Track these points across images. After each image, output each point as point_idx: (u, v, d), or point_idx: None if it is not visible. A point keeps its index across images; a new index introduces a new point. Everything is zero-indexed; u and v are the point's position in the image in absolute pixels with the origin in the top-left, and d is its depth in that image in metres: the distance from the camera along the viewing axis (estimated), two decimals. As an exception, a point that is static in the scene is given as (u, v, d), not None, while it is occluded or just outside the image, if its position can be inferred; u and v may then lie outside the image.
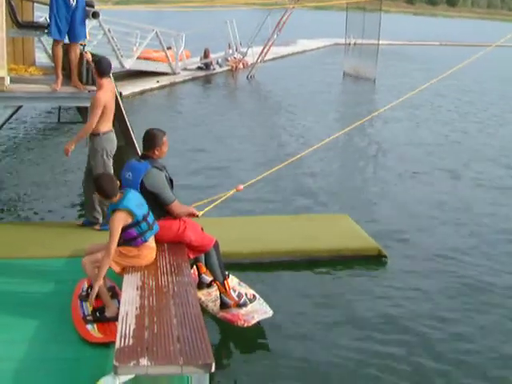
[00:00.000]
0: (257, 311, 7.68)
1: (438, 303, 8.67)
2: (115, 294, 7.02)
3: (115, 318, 6.12)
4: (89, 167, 9.63)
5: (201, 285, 7.96)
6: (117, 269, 6.61)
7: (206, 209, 8.42)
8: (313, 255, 9.63)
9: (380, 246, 9.97)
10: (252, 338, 7.58)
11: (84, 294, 7.29)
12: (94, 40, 23.30)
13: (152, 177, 7.08)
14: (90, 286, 7.10)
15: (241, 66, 31.39)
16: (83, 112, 11.58)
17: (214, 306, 7.71)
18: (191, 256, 7.54)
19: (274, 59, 35.99)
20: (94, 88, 9.80)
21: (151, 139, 7.26)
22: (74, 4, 9.84)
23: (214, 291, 7.87)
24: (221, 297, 7.62)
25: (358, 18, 32.98)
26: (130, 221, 6.58)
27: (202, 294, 7.85)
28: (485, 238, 11.42)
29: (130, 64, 24.85)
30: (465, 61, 13.93)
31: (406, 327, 7.97)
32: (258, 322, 7.56)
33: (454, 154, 17.53)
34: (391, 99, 25.30)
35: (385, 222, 11.72)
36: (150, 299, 5.92)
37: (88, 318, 6.80)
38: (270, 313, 7.71)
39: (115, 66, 22.23)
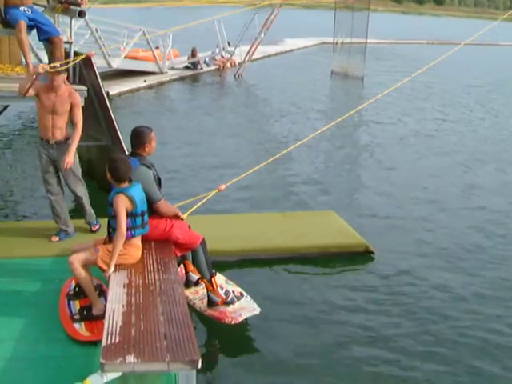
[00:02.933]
0: (244, 308, 7.70)
1: (427, 299, 8.72)
2: (102, 292, 7.04)
3: (102, 316, 6.13)
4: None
5: (188, 283, 7.99)
6: (104, 267, 6.62)
7: (190, 211, 8.39)
8: (300, 252, 9.66)
9: (367, 242, 10.01)
10: (239, 336, 7.61)
11: (71, 292, 7.30)
12: (81, 39, 23.26)
13: (140, 174, 7.09)
14: (78, 285, 7.12)
15: (228, 65, 31.34)
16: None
17: (201, 303, 7.73)
18: (178, 254, 7.55)
19: (261, 58, 36.00)
20: (83, 87, 9.79)
21: (139, 136, 7.31)
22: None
23: (201, 289, 7.89)
24: (208, 294, 7.64)
25: (346, 16, 33.03)
26: (129, 209, 6.60)
27: (190, 292, 7.87)
28: (474, 232, 11.55)
29: (117, 63, 24.78)
30: (440, 56, 13.96)
31: (394, 324, 8.02)
32: (246, 320, 7.58)
33: (438, 149, 17.69)
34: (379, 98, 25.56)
35: (371, 218, 11.79)
36: (137, 297, 5.93)
37: (75, 316, 6.82)
38: (257, 310, 7.73)
39: (102, 65, 22.26)
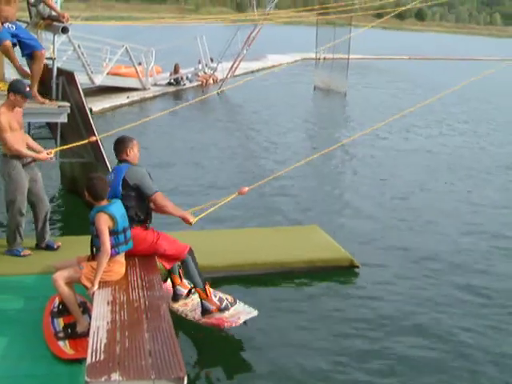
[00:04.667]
0: (241, 312, 7.74)
1: (411, 312, 8.74)
2: (86, 310, 6.99)
3: (87, 334, 6.09)
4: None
5: (176, 297, 7.95)
6: (88, 284, 6.58)
7: (202, 215, 8.41)
8: (286, 267, 9.64)
9: (352, 257, 10.02)
10: (225, 350, 7.60)
11: (55, 310, 7.25)
12: (63, 56, 23.22)
13: (133, 172, 7.28)
14: (62, 303, 7.07)
15: (211, 81, 31.39)
16: (53, 128, 11.54)
17: (194, 314, 7.71)
18: (167, 266, 7.57)
19: (244, 74, 36.04)
20: (66, 104, 9.76)
21: (120, 142, 7.54)
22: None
23: (191, 301, 7.90)
24: (202, 303, 7.61)
25: (328, 32, 33.22)
26: (111, 227, 6.60)
27: (179, 305, 7.85)
28: (460, 244, 11.63)
29: (100, 80, 24.78)
30: (457, 85, 14.04)
31: (380, 337, 8.04)
32: (231, 334, 7.62)
33: (423, 162, 17.81)
34: (362, 112, 25.75)
35: (355, 233, 11.82)
36: (122, 314, 5.91)
37: (60, 334, 6.76)
38: (254, 312, 7.76)
39: (85, 81, 22.22)
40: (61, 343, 6.62)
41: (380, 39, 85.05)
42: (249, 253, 9.88)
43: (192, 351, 7.41)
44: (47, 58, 10.44)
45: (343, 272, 9.87)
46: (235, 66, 30.51)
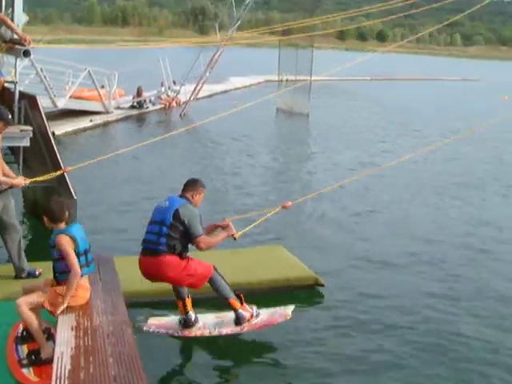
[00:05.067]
0: (276, 311, 8.40)
1: (378, 331, 8.82)
2: (51, 336, 6.92)
3: (51, 360, 6.03)
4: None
5: (189, 322, 8.06)
6: (52, 309, 6.53)
7: (247, 229, 8.49)
8: (250, 288, 9.60)
9: (317, 275, 10.06)
10: (193, 371, 7.65)
11: (19, 336, 7.17)
12: (26, 79, 23.06)
13: (187, 209, 7.57)
14: (26, 329, 6.99)
15: (174, 104, 31.38)
16: (16, 152, 11.45)
17: (219, 328, 8.04)
18: (199, 287, 7.82)
19: (207, 97, 36.13)
20: (28, 128, 9.70)
21: (192, 183, 7.93)
22: None
23: (201, 327, 8.09)
24: (237, 313, 7.98)
25: (290, 54, 33.45)
26: (72, 249, 6.57)
27: (198, 330, 8.03)
28: (422, 259, 11.92)
29: (62, 103, 24.69)
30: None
31: (346, 354, 8.11)
32: (198, 357, 7.86)
33: (382, 179, 17.97)
34: (325, 133, 25.95)
35: (320, 251, 11.90)
36: (86, 339, 5.87)
37: (24, 361, 6.69)
38: (291, 307, 8.48)
39: (48, 105, 22.11)
40: (25, 370, 6.55)
41: (342, 60, 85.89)
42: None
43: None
44: (9, 82, 10.40)
45: (308, 291, 9.94)
46: (198, 88, 30.56)
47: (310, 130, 28.40)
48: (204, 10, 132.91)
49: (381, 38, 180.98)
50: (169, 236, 7.47)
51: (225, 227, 8.06)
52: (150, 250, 7.57)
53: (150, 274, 7.66)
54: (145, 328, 7.93)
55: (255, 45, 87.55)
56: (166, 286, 7.91)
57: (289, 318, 8.29)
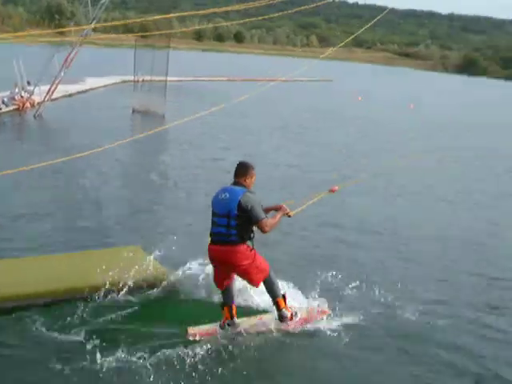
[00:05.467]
0: (314, 308, 9.28)
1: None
2: None
3: None
4: None
5: (235, 327, 8.69)
6: None
7: (300, 208, 9.10)
8: (107, 288, 9.64)
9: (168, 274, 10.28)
10: None
11: None
12: None
13: (248, 197, 8.24)
14: None
15: (28, 104, 30.67)
16: None
17: (263, 327, 8.87)
18: (258, 282, 8.63)
19: (62, 97, 35.53)
20: None
21: (243, 167, 8.55)
22: None
23: (248, 326, 8.84)
24: (280, 312, 8.78)
25: (146, 54, 33.42)
26: None
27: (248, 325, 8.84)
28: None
29: None
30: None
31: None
32: None
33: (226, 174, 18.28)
34: (182, 133, 26.17)
35: (176, 249, 11.98)
36: None
37: None
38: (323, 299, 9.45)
39: None
40: None
41: (201, 61, 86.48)
42: (63, 278, 9.80)
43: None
44: None
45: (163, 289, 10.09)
46: (53, 89, 30.02)
47: (165, 131, 28.48)
48: (60, 8, 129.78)
49: (238, 39, 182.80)
50: (237, 226, 8.21)
51: (278, 209, 8.72)
52: (222, 241, 8.34)
53: (223, 261, 8.39)
54: (190, 338, 8.44)
55: (112, 45, 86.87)
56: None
57: (328, 313, 9.20)
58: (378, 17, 12.87)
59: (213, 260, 8.51)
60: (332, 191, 9.65)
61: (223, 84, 54.74)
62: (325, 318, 9.24)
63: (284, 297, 8.81)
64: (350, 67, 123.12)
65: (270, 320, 8.96)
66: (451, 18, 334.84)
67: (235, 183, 8.48)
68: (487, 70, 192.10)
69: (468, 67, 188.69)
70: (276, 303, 8.75)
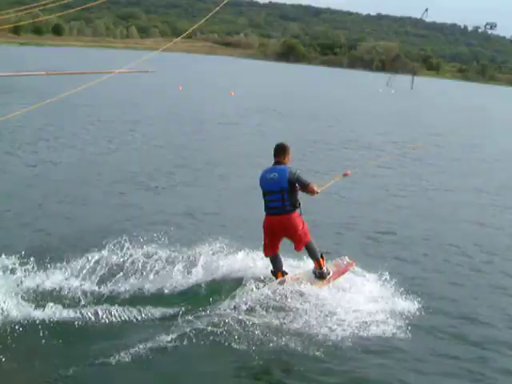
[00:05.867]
0: (339, 264, 11.26)
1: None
2: None
3: None
4: None
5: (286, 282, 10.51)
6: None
7: (323, 188, 10.87)
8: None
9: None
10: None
11: None
12: None
13: (291, 171, 10.34)
14: None
15: None
16: None
17: (304, 284, 10.52)
18: (303, 246, 10.54)
19: None
20: None
21: (282, 148, 10.60)
22: None
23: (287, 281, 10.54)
24: (321, 271, 10.72)
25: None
26: None
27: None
28: None
29: None
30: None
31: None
32: None
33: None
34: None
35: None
36: None
37: None
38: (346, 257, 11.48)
39: None
40: None
41: (18, 55, 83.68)
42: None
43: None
44: None
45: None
46: None
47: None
48: None
49: (56, 31, 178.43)
50: (289, 198, 10.25)
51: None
52: (279, 213, 10.32)
53: (282, 228, 10.38)
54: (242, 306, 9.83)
55: None
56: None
57: (353, 265, 11.16)
58: (217, 8, 13.21)
59: (270, 229, 10.40)
60: (346, 174, 11.50)
61: (43, 78, 53.37)
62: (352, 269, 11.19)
63: (322, 257, 10.74)
64: (171, 57, 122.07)
65: (308, 278, 10.76)
66: (270, 6, 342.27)
67: (276, 163, 10.50)
68: (306, 57, 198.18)
69: (287, 54, 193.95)
70: (317, 263, 10.67)
